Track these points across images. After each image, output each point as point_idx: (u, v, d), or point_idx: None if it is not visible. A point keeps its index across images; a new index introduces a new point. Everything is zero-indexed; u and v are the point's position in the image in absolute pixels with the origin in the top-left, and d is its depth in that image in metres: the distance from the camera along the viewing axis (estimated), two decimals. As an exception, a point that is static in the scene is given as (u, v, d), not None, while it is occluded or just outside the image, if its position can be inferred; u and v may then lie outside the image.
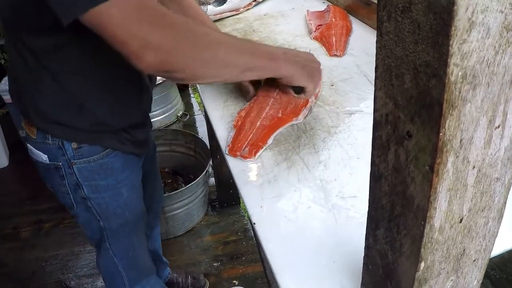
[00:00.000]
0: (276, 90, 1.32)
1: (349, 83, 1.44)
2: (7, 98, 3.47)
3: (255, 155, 1.17)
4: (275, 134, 1.22)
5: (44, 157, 1.32)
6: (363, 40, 1.72)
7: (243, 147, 1.17)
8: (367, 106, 1.31)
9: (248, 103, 1.33)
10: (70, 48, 1.13)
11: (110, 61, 1.15)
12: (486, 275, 1.89)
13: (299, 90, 1.25)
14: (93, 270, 2.65)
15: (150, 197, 1.85)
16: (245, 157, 1.17)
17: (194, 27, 1.05)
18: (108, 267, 1.63)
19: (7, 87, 3.50)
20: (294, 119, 1.26)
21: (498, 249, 0.86)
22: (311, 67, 1.28)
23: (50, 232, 2.99)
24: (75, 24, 0.95)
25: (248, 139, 1.19)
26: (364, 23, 1.84)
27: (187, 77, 1.08)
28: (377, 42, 0.49)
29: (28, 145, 1.36)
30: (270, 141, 1.20)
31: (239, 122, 1.25)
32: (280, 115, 1.27)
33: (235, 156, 1.18)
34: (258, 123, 1.23)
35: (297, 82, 1.24)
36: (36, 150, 1.33)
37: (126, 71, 1.12)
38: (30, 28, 1.11)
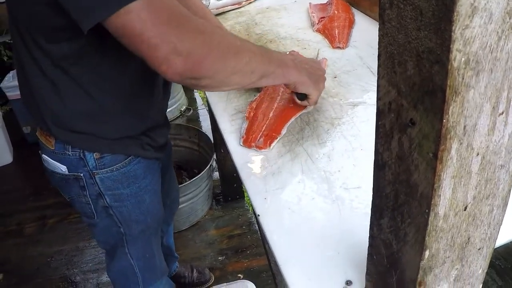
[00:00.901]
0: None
1: (352, 75, 1.44)
2: (10, 95, 3.48)
3: (270, 145, 1.18)
4: (288, 124, 1.23)
5: (63, 168, 1.28)
6: (366, 32, 1.71)
7: (258, 137, 1.18)
8: (370, 97, 1.31)
9: (258, 94, 1.34)
10: (90, 54, 1.09)
11: (129, 66, 1.13)
12: (491, 265, 1.89)
13: (303, 96, 1.25)
14: (98, 265, 2.66)
15: (166, 195, 1.84)
16: (260, 148, 1.17)
17: (223, 34, 1.04)
18: (125, 270, 1.61)
19: (11, 84, 3.51)
20: (305, 107, 1.28)
21: (503, 239, 0.86)
22: (317, 75, 1.26)
23: (55, 228, 2.99)
24: (95, 30, 0.92)
25: (262, 130, 1.20)
26: (367, 15, 1.84)
27: (212, 84, 1.03)
28: (379, 30, 0.49)
29: (43, 155, 1.31)
30: (284, 131, 1.21)
31: (251, 114, 1.26)
32: (291, 105, 1.28)
33: (249, 147, 1.18)
34: (271, 114, 1.25)
35: (303, 89, 1.21)
36: (52, 161, 1.28)
37: (146, 74, 1.12)
38: (48, 33, 1.06)
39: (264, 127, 1.21)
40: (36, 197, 3.23)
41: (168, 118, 1.53)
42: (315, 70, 1.27)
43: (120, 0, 0.87)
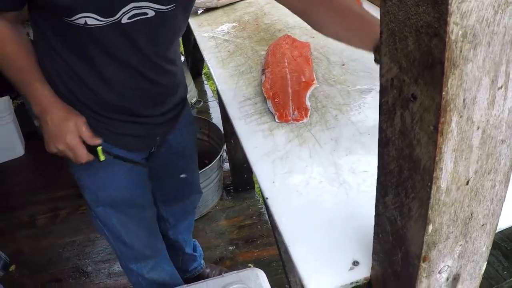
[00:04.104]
0: (285, 58, 1.42)
1: (360, 63, 1.45)
2: (22, 88, 3.50)
3: (307, 116, 1.23)
4: (307, 96, 1.29)
5: None
6: (373, 20, 1.72)
7: (292, 112, 1.22)
8: (377, 84, 1.32)
9: (263, 76, 1.39)
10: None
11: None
12: (497, 247, 1.89)
13: None
14: (110, 255, 2.68)
15: (175, 191, 1.85)
16: (298, 120, 1.22)
17: None
18: (104, 236, 1.67)
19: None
20: (314, 82, 1.34)
21: (509, 221, 0.87)
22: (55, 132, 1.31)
23: (66, 219, 3.01)
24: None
25: (291, 104, 1.24)
26: (374, 4, 1.84)
27: None
28: (381, 8, 0.51)
29: None
30: (308, 103, 1.27)
31: (270, 93, 1.31)
32: (304, 79, 1.34)
33: (287, 121, 1.22)
34: (290, 90, 1.29)
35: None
36: None
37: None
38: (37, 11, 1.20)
39: (290, 102, 1.25)
40: (47, 189, 3.26)
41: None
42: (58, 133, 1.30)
43: None
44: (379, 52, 1.13)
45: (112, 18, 1.14)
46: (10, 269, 2.65)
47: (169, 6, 1.20)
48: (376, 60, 1.17)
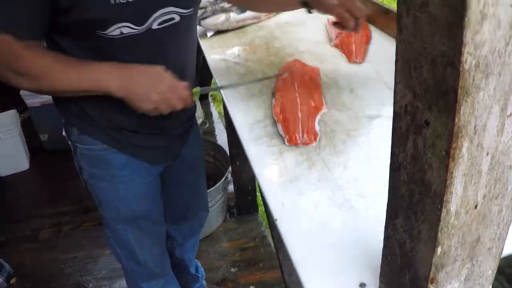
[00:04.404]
0: (295, 83, 1.45)
1: (369, 89, 1.48)
2: (29, 102, 3.54)
3: (316, 140, 1.25)
4: (317, 121, 1.31)
5: (64, 133, 1.46)
6: (382, 48, 1.75)
7: (301, 135, 1.25)
8: (387, 111, 1.35)
9: (273, 100, 1.42)
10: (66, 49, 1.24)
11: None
12: (502, 272, 1.89)
13: None
14: (112, 272, 2.69)
15: (185, 208, 1.88)
16: (307, 143, 1.24)
17: (33, 62, 1.18)
18: (115, 255, 1.72)
19: (29, 92, 3.55)
20: (323, 107, 1.37)
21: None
22: (143, 85, 1.25)
23: (70, 235, 3.03)
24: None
25: (300, 128, 1.27)
26: (383, 31, 1.87)
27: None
28: (396, 37, 0.53)
29: None
30: (317, 127, 1.30)
31: (280, 117, 1.33)
32: (313, 104, 1.36)
33: (296, 144, 1.24)
34: (299, 114, 1.32)
35: (130, 104, 1.25)
36: (63, 126, 1.45)
37: None
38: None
39: (300, 126, 1.27)
40: (52, 204, 3.28)
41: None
42: (145, 86, 1.25)
43: None
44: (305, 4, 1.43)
45: (144, 26, 1.20)
46: (11, 282, 2.67)
47: (189, 10, 1.29)
48: (308, 11, 1.50)
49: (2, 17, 1.10)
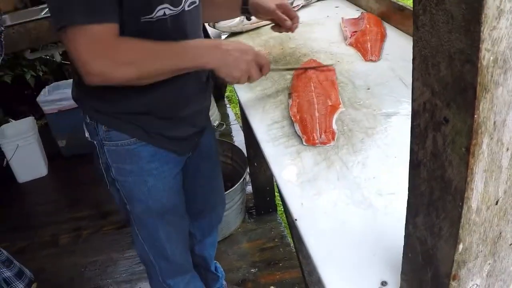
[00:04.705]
0: (311, 82, 1.46)
1: (385, 87, 1.48)
2: (46, 109, 3.59)
3: (334, 139, 1.25)
4: (334, 121, 1.31)
5: (87, 134, 1.48)
6: (397, 45, 1.75)
7: (319, 135, 1.25)
8: (403, 108, 1.34)
9: (290, 100, 1.43)
10: None
11: None
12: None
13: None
14: (132, 276, 2.71)
15: (203, 202, 1.90)
16: (325, 143, 1.24)
17: (131, 47, 1.22)
18: (142, 254, 1.73)
19: (47, 98, 3.64)
20: (340, 106, 1.37)
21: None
22: (235, 56, 1.33)
23: (89, 239, 3.06)
24: None
25: (318, 128, 1.27)
26: (398, 29, 1.87)
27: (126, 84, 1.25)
28: (413, 35, 0.53)
29: (83, 122, 1.50)
30: (334, 126, 1.30)
31: (298, 116, 1.34)
32: (330, 103, 1.37)
33: (314, 144, 1.25)
34: (317, 114, 1.32)
35: (221, 73, 1.33)
36: (84, 127, 1.48)
37: None
38: None
39: (317, 126, 1.28)
40: (70, 209, 3.31)
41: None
42: (235, 52, 1.33)
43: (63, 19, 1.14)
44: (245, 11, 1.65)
45: (180, 7, 1.30)
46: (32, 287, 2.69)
47: None
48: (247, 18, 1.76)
49: (88, 8, 1.14)
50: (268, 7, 1.60)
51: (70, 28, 1.13)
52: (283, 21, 1.61)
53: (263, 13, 1.64)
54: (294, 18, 1.64)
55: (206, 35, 1.94)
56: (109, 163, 1.47)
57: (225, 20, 1.98)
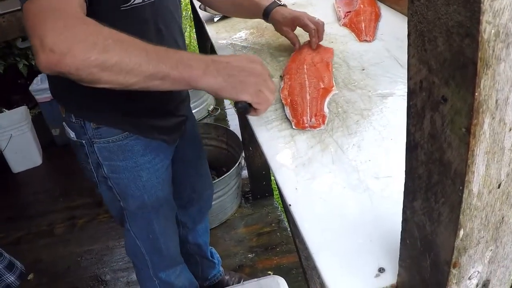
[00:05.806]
0: (304, 65, 1.42)
1: (380, 67, 1.44)
2: (39, 97, 3.55)
3: (324, 123, 1.22)
4: (326, 103, 1.28)
5: (72, 134, 1.41)
6: (392, 25, 1.71)
7: (309, 119, 1.22)
8: (399, 89, 1.31)
9: (282, 82, 1.40)
10: None
11: None
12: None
13: (245, 107, 1.16)
14: (128, 263, 2.70)
15: (191, 189, 1.88)
16: (314, 127, 1.21)
17: (98, 30, 0.99)
18: (133, 249, 1.71)
19: (39, 87, 3.60)
20: (333, 89, 1.33)
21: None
22: (241, 76, 1.12)
23: (84, 228, 3.05)
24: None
25: (308, 111, 1.23)
26: (393, 8, 1.83)
27: (83, 80, 1.00)
28: (408, 8, 0.50)
29: (63, 123, 1.44)
30: (326, 109, 1.26)
31: (288, 99, 1.30)
32: (322, 86, 1.33)
33: (304, 128, 1.21)
34: (308, 96, 1.28)
35: (225, 95, 1.14)
36: (67, 127, 1.42)
37: None
38: None
39: (308, 109, 1.24)
40: (65, 198, 3.30)
41: (196, 117, 1.60)
42: (239, 71, 1.12)
43: None
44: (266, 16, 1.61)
45: None
46: (29, 278, 2.70)
47: None
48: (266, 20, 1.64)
49: None
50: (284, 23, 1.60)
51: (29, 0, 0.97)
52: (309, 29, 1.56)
53: (279, 28, 1.64)
54: (318, 23, 1.57)
55: (197, 17, 1.92)
56: (100, 161, 1.43)
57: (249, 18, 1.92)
